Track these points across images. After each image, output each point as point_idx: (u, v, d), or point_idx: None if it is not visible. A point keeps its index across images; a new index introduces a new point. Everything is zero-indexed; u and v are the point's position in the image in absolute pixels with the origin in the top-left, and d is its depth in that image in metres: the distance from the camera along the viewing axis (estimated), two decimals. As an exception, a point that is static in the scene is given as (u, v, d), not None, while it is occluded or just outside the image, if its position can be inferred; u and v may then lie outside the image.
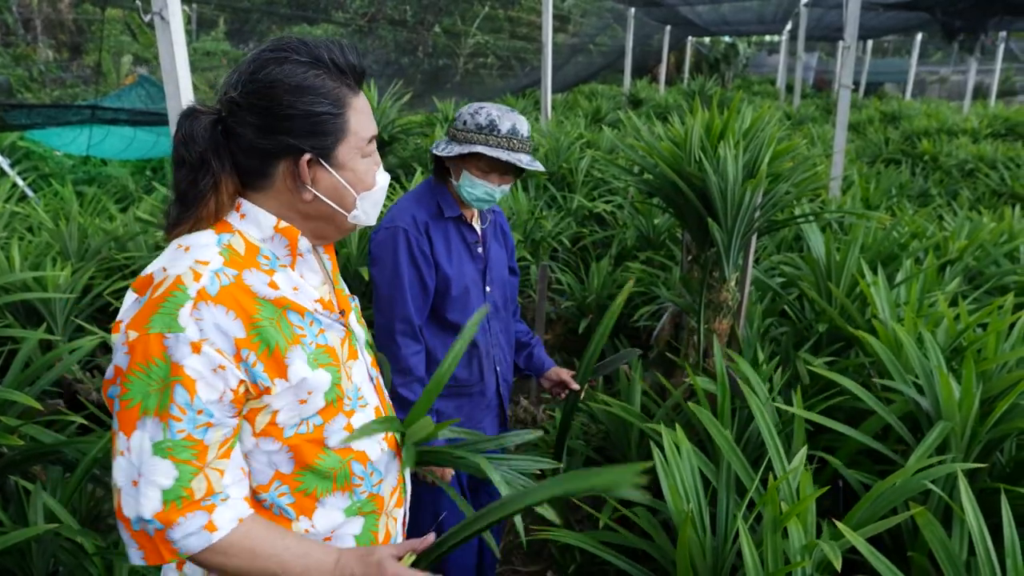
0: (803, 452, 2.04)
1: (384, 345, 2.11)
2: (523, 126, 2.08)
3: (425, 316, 2.16)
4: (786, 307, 3.51)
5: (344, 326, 1.29)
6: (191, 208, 1.16)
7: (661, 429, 2.11)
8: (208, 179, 1.15)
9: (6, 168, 6.56)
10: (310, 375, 1.17)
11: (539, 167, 2.08)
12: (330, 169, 1.19)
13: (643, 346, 4.12)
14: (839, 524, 1.75)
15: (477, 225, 2.26)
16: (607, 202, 5.89)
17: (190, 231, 1.17)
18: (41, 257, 4.24)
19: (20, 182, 6.41)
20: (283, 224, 1.21)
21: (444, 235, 2.17)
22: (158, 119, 6.03)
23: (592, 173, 6.43)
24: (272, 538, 1.15)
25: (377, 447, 1.30)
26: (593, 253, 5.54)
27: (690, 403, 2.30)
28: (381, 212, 1.59)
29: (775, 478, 1.98)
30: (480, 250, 2.25)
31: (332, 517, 1.25)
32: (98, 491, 2.69)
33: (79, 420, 2.39)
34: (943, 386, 2.15)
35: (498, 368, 2.33)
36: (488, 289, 2.27)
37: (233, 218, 1.20)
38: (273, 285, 1.17)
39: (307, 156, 1.16)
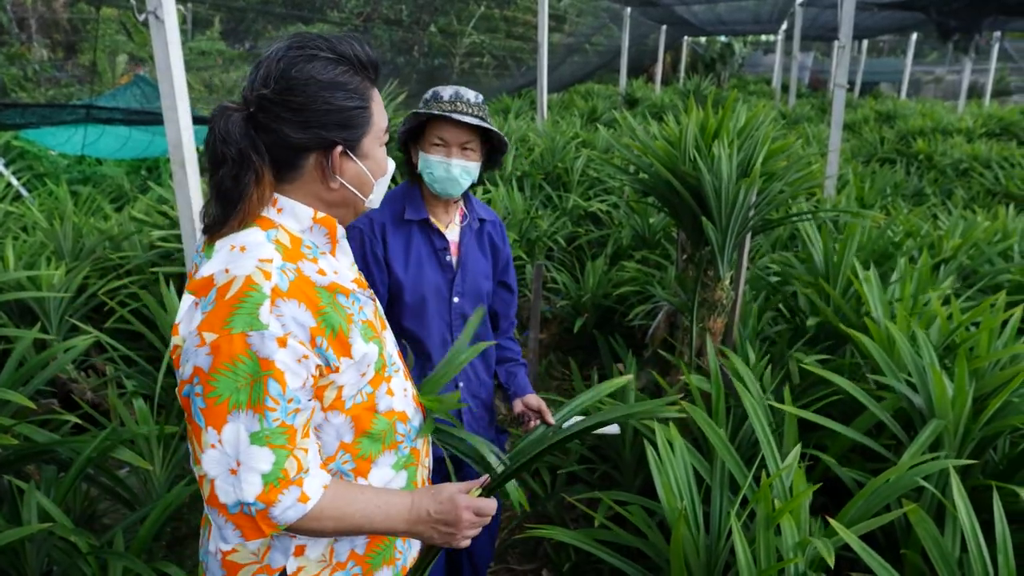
0: (796, 450, 2.05)
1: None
2: (468, 93, 2.00)
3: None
4: (781, 305, 3.52)
5: (372, 300, 1.39)
6: (236, 204, 1.20)
7: (655, 427, 2.11)
8: (250, 174, 1.19)
9: (1, 168, 6.55)
10: (367, 349, 1.27)
11: (493, 127, 1.99)
12: (355, 159, 1.27)
13: (638, 345, 4.12)
14: (832, 521, 1.75)
15: (453, 232, 2.15)
16: (603, 201, 5.89)
17: (235, 231, 1.21)
18: (35, 257, 4.23)
19: (15, 181, 6.40)
20: (320, 215, 1.28)
21: (405, 239, 2.09)
22: (153, 119, 6.00)
23: (588, 172, 6.44)
24: (353, 495, 1.26)
25: (411, 406, 1.43)
26: (589, 252, 5.55)
27: (684, 401, 2.30)
28: None
29: (768, 476, 1.99)
30: (450, 258, 2.13)
31: (384, 475, 1.36)
32: (92, 490, 2.69)
33: (73, 419, 2.39)
34: (936, 383, 2.15)
35: (460, 384, 2.20)
36: (456, 300, 2.14)
37: (271, 213, 1.25)
38: (322, 272, 1.25)
39: (339, 148, 1.24)
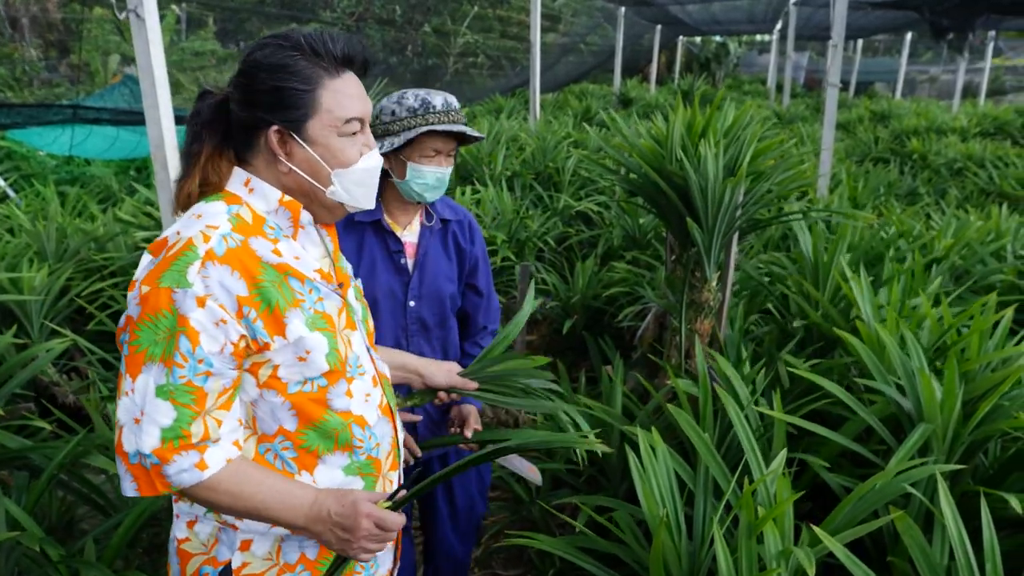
0: (782, 455, 2.01)
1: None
2: (452, 99, 1.98)
3: None
4: (770, 306, 3.48)
5: (341, 297, 1.39)
6: (186, 170, 1.30)
7: (637, 431, 2.07)
8: (197, 145, 1.29)
9: (-13, 169, 6.49)
10: (307, 335, 1.26)
11: (481, 135, 2.00)
12: (302, 143, 1.28)
13: (628, 346, 4.08)
14: (816, 529, 1.71)
15: (412, 234, 2.09)
16: (593, 201, 5.85)
17: (198, 199, 1.29)
18: (18, 258, 4.17)
19: (1, 182, 6.34)
20: (287, 198, 1.32)
21: (357, 241, 2.03)
22: (141, 119, 5.93)
23: (579, 172, 6.40)
24: (257, 478, 1.25)
25: (375, 413, 1.40)
26: (579, 253, 5.51)
27: (669, 405, 2.26)
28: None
29: (752, 482, 1.95)
30: (405, 261, 2.07)
31: (333, 475, 1.35)
32: (68, 497, 2.64)
33: (46, 426, 2.34)
34: (924, 387, 2.12)
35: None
36: (411, 304, 2.08)
37: (242, 192, 1.31)
38: (277, 252, 1.28)
39: (275, 127, 1.27)
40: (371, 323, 1.54)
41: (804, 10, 13.65)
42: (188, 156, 1.31)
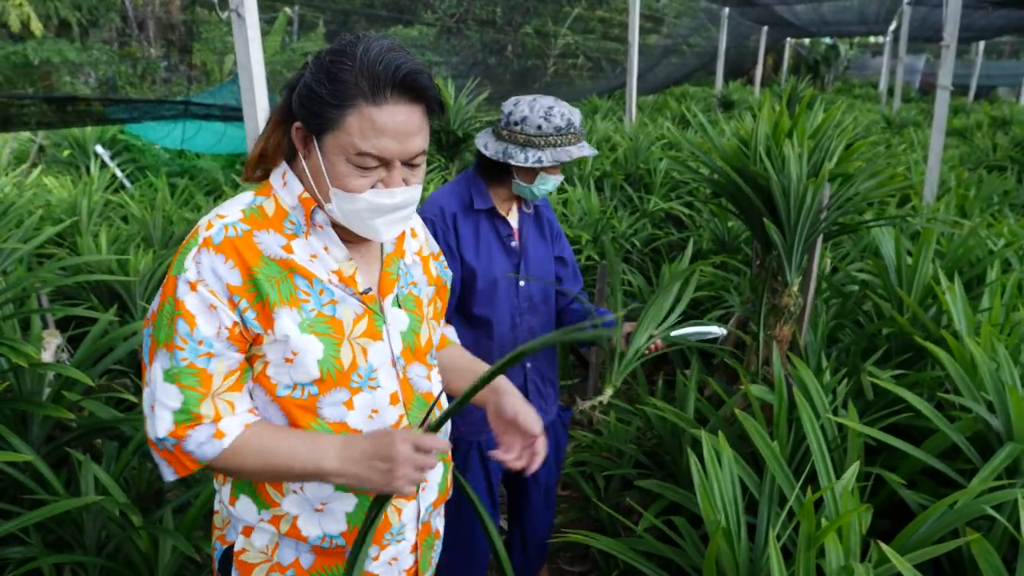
0: (854, 468, 1.93)
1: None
2: (576, 116, 2.13)
3: (454, 307, 2.16)
4: (860, 316, 3.33)
5: (363, 303, 1.31)
6: (254, 152, 1.32)
7: (702, 436, 2.03)
8: (266, 128, 1.30)
9: (106, 160, 6.92)
10: (296, 336, 1.22)
11: (594, 151, 2.16)
12: (318, 149, 1.23)
13: (709, 352, 3.99)
14: (883, 546, 1.63)
15: (513, 219, 2.25)
16: (683, 203, 5.76)
17: (258, 168, 1.33)
18: (127, 243, 4.44)
19: (119, 173, 6.75)
20: (305, 195, 1.28)
21: (474, 228, 2.16)
22: (247, 115, 6.22)
23: (670, 174, 6.30)
24: (280, 434, 1.24)
25: (375, 430, 1.31)
26: (667, 255, 5.42)
27: (739, 411, 2.20)
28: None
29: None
30: (514, 243, 2.24)
31: (320, 488, 1.30)
32: (157, 470, 2.78)
33: (135, 400, 2.47)
34: (1015, 403, 1.99)
35: (528, 364, 2.30)
36: (522, 284, 2.24)
37: (277, 183, 1.30)
38: (287, 249, 1.25)
39: (297, 124, 1.24)
40: (424, 337, 1.42)
41: (919, 10, 13.00)
42: (268, 120, 1.32)
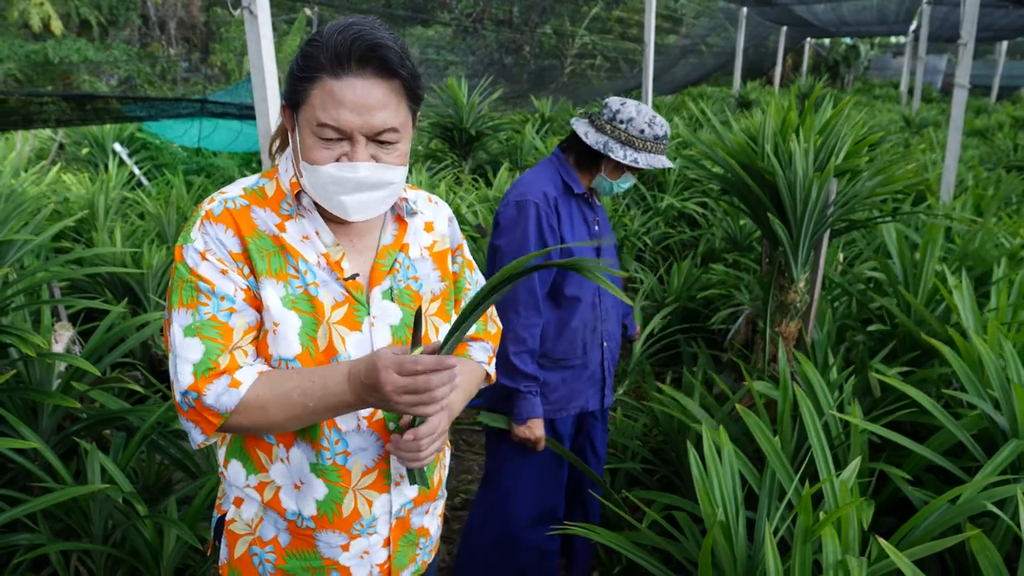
0: (856, 463, 1.91)
1: (503, 313, 2.16)
2: (665, 126, 2.27)
3: (547, 289, 2.24)
4: (871, 315, 3.31)
5: (346, 290, 1.30)
6: (271, 143, 1.38)
7: (703, 430, 2.02)
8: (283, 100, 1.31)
9: (124, 157, 7.00)
10: (277, 308, 1.26)
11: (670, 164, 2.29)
12: (296, 125, 1.26)
13: (720, 349, 3.98)
14: (881, 541, 1.62)
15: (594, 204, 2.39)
16: (696, 202, 5.74)
17: (280, 152, 1.37)
18: (142, 239, 4.49)
19: (136, 171, 6.83)
20: (294, 179, 1.31)
21: (570, 211, 2.27)
22: (263, 114, 6.26)
23: (685, 173, 6.29)
24: (289, 374, 1.25)
25: (353, 421, 1.30)
26: (679, 254, 5.41)
27: (741, 407, 2.20)
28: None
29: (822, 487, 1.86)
30: (596, 228, 2.37)
31: (301, 463, 1.31)
32: (165, 462, 2.81)
33: (140, 390, 2.50)
34: (1020, 399, 1.97)
35: (605, 343, 2.39)
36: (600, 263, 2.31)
37: (283, 166, 1.34)
38: (280, 227, 1.29)
39: (282, 102, 1.29)
40: (417, 334, 1.26)
41: (939, 9, 12.86)
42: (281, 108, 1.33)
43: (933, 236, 2.81)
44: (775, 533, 1.79)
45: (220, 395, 1.21)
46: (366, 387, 1.16)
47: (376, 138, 1.22)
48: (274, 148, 1.39)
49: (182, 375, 1.21)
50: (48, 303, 2.64)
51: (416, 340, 1.18)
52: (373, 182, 1.24)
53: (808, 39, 20.73)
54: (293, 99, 1.24)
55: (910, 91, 16.01)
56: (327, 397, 1.20)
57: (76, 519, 2.29)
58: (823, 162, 2.60)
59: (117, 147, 7.18)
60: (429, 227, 1.46)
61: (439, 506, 1.53)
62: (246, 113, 6.61)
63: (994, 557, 1.63)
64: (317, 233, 1.31)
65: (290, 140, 1.30)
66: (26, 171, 6.03)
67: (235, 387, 1.21)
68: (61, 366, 2.66)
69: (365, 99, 1.19)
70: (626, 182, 2.31)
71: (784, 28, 16.93)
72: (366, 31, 1.18)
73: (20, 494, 2.26)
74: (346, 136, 1.21)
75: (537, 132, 7.76)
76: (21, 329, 2.33)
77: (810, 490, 1.65)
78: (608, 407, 2.53)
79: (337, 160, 1.22)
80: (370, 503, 1.35)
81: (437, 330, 1.42)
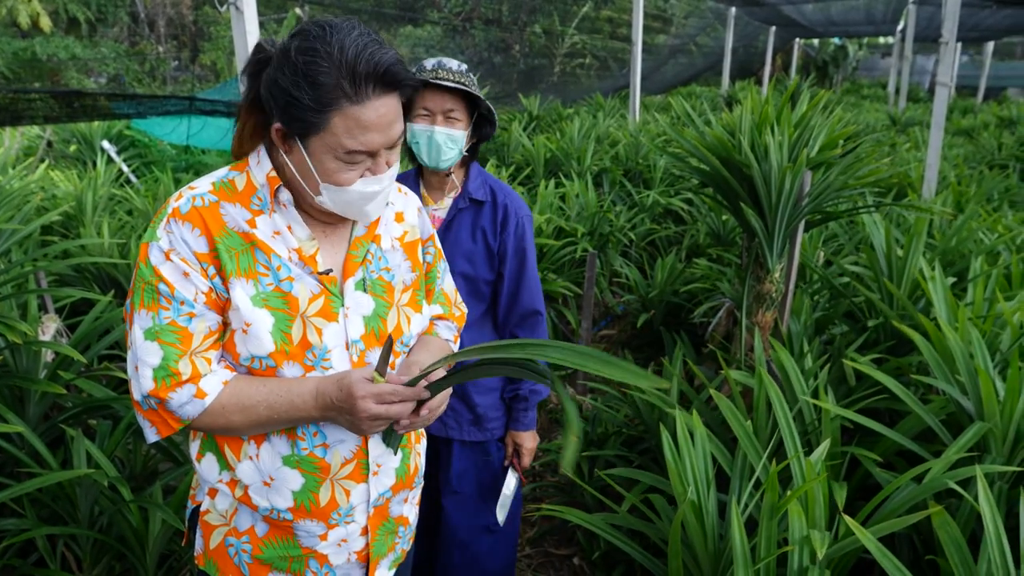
0: (824, 445, 1.97)
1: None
2: (451, 62, 1.97)
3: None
4: (852, 307, 3.37)
5: (321, 283, 1.32)
6: (234, 143, 1.35)
7: (676, 414, 2.07)
8: (239, 117, 1.31)
9: (113, 155, 7.00)
10: (247, 308, 1.25)
11: (475, 92, 1.93)
12: (303, 149, 1.23)
13: (701, 341, 4.03)
14: (847, 518, 1.67)
15: (440, 210, 2.11)
16: (681, 199, 5.80)
17: (250, 146, 1.33)
18: (129, 234, 4.51)
19: (125, 168, 6.83)
20: (273, 174, 1.30)
21: None
22: (252, 111, 6.28)
23: (670, 170, 6.35)
24: (255, 386, 1.27)
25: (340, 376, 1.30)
26: (664, 249, 5.47)
27: (715, 392, 2.25)
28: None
29: (788, 469, 1.92)
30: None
31: (273, 459, 1.32)
32: (152, 451, 2.84)
33: (125, 378, 2.52)
34: (984, 383, 2.03)
35: None
36: None
37: (253, 160, 1.32)
38: (251, 223, 1.28)
39: (277, 125, 1.23)
40: (392, 323, 1.40)
41: (925, 10, 12.97)
42: (239, 108, 1.29)
43: (918, 230, 2.86)
44: (744, 510, 1.84)
45: (184, 404, 1.24)
46: (338, 409, 1.23)
47: (391, 145, 1.27)
48: (237, 137, 1.34)
49: (143, 378, 1.23)
50: (35, 292, 2.67)
51: (383, 366, 1.23)
52: (391, 185, 1.32)
53: (797, 39, 20.84)
54: (302, 128, 1.20)
55: (897, 91, 16.14)
56: (292, 412, 1.26)
57: (62, 505, 2.32)
58: (798, 155, 2.66)
59: (105, 144, 7.18)
60: (399, 218, 1.49)
61: (416, 494, 1.55)
62: (234, 110, 6.64)
63: (955, 533, 1.68)
64: (290, 228, 1.31)
65: (286, 157, 1.26)
66: (13, 168, 6.04)
67: (200, 398, 1.24)
68: (48, 356, 2.68)
69: (386, 117, 1.22)
70: (412, 136, 2.01)
71: (773, 28, 17.03)
72: (379, 51, 1.18)
73: (7, 479, 2.29)
74: (371, 154, 1.24)
75: (524, 130, 7.81)
76: (7, 317, 2.36)
77: (776, 468, 1.70)
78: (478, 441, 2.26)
79: (361, 176, 1.25)
80: (348, 492, 1.37)
81: (409, 320, 1.43)
